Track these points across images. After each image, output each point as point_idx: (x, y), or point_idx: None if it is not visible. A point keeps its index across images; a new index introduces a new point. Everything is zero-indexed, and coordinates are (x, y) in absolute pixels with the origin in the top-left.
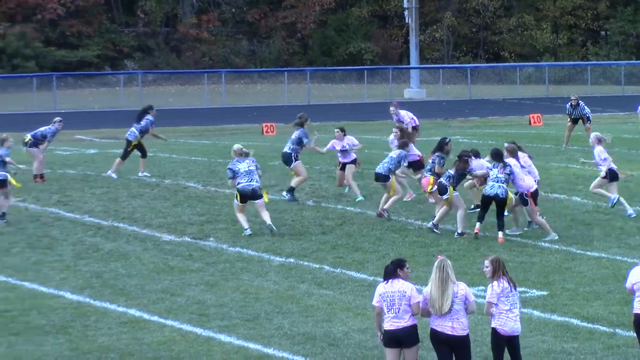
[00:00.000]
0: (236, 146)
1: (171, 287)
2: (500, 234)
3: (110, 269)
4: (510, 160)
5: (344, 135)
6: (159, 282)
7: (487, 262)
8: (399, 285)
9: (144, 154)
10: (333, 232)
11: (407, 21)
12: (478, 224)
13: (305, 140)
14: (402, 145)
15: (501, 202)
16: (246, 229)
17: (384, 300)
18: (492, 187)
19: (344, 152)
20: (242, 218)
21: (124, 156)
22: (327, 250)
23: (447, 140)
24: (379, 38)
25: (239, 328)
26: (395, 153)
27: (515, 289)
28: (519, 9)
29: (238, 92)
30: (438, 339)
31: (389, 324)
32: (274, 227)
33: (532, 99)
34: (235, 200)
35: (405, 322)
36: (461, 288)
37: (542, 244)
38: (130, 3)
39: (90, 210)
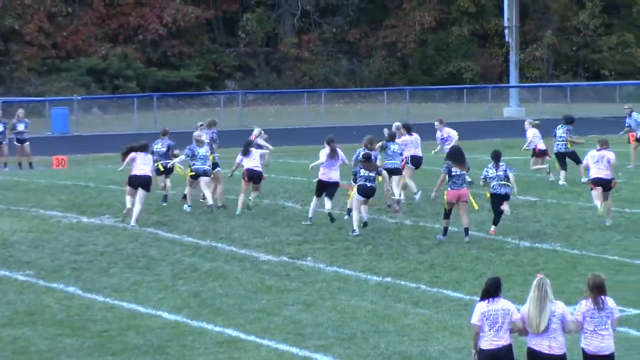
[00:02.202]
0: (196, 133)
1: (268, 307)
2: (493, 227)
3: (207, 288)
4: None
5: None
6: (256, 301)
7: None
8: (502, 303)
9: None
10: (430, 251)
11: (507, 40)
12: (493, 227)
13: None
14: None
15: (506, 199)
16: (189, 206)
17: (486, 319)
18: (501, 187)
19: None
20: (189, 191)
21: None
22: (424, 269)
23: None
24: (479, 57)
25: (335, 347)
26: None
27: (602, 310)
28: (619, 27)
29: (337, 112)
30: (535, 357)
31: (488, 343)
32: (214, 208)
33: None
34: (189, 177)
35: (505, 341)
36: (559, 307)
37: None
38: (231, 23)
39: (188, 231)
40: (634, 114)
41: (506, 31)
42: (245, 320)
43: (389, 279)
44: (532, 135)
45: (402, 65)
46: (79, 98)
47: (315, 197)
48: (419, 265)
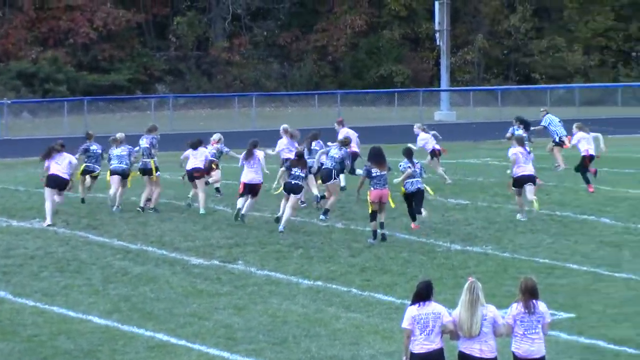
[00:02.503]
0: (118, 135)
1: (199, 311)
2: (415, 222)
3: (138, 292)
4: None
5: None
6: (187, 305)
7: None
8: (433, 307)
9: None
10: (361, 254)
11: (438, 43)
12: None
13: (347, 162)
14: None
15: (422, 194)
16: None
17: (417, 323)
18: (413, 184)
19: None
20: (113, 191)
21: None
22: (355, 272)
23: None
24: (410, 61)
25: (266, 352)
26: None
27: (533, 314)
28: (550, 31)
29: (269, 116)
30: None
31: (420, 347)
32: (117, 208)
33: (562, 120)
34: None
35: (436, 345)
36: (490, 310)
37: (571, 265)
38: (162, 27)
39: (119, 234)
40: (548, 116)
41: (437, 35)
42: (176, 325)
43: (320, 283)
44: (424, 138)
45: (333, 69)
46: (9, 102)
47: (239, 197)
48: (351, 268)
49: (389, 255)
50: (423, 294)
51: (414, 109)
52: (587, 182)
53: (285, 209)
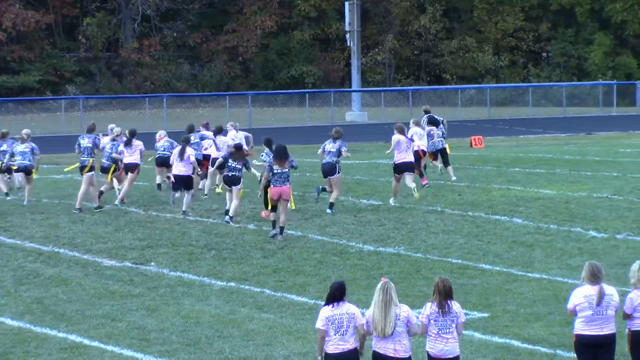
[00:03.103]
0: (24, 131)
1: (112, 312)
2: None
3: (50, 294)
4: None
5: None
6: (99, 307)
7: None
8: (346, 307)
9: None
10: (274, 255)
11: (348, 44)
12: (272, 213)
13: (343, 149)
14: None
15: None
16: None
17: (331, 323)
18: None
19: None
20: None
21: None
22: (268, 273)
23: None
24: (321, 61)
25: (179, 353)
26: None
27: (447, 314)
28: (460, 31)
29: (180, 117)
30: None
31: (334, 347)
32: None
33: (473, 121)
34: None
35: (350, 344)
36: (403, 310)
37: (484, 265)
38: (71, 28)
39: (30, 236)
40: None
41: (348, 35)
42: (89, 326)
43: (233, 284)
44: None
45: (244, 70)
46: None
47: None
48: (263, 269)
49: (301, 256)
50: (336, 295)
51: (326, 110)
52: (421, 175)
53: (232, 200)
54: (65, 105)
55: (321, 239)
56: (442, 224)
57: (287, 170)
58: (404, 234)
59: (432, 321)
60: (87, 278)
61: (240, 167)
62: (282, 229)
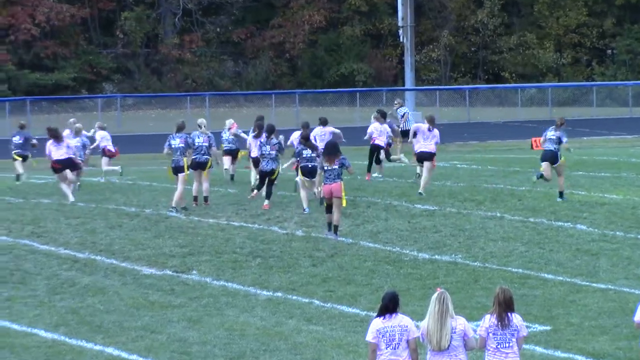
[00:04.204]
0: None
1: (151, 324)
2: (267, 201)
3: (86, 304)
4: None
5: None
6: (138, 318)
7: None
8: (399, 319)
9: None
10: (324, 264)
11: (401, 40)
12: (267, 201)
13: (564, 139)
14: None
15: (270, 174)
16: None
17: (382, 336)
18: (268, 164)
19: None
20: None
21: None
22: (317, 283)
23: None
24: (372, 58)
25: None
26: None
27: (507, 328)
28: (520, 27)
29: (223, 116)
30: None
31: None
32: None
33: (534, 121)
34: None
35: (403, 359)
36: (460, 323)
37: (546, 275)
38: (108, 23)
39: (65, 242)
40: (402, 109)
41: (400, 31)
42: (127, 338)
43: (279, 294)
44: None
45: (291, 67)
46: None
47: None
48: (312, 278)
49: (352, 264)
50: (389, 306)
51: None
52: (368, 170)
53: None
54: (101, 104)
55: (373, 246)
56: (502, 230)
57: (336, 167)
58: (461, 241)
59: (490, 335)
60: (125, 287)
61: (315, 155)
62: (336, 228)
